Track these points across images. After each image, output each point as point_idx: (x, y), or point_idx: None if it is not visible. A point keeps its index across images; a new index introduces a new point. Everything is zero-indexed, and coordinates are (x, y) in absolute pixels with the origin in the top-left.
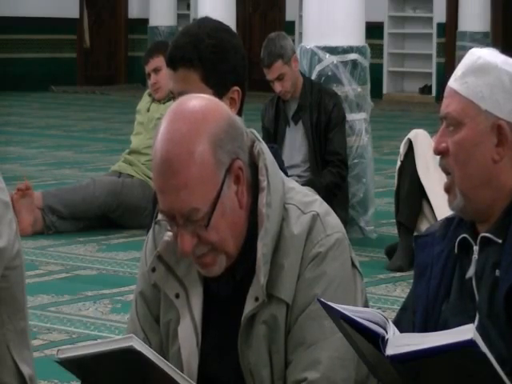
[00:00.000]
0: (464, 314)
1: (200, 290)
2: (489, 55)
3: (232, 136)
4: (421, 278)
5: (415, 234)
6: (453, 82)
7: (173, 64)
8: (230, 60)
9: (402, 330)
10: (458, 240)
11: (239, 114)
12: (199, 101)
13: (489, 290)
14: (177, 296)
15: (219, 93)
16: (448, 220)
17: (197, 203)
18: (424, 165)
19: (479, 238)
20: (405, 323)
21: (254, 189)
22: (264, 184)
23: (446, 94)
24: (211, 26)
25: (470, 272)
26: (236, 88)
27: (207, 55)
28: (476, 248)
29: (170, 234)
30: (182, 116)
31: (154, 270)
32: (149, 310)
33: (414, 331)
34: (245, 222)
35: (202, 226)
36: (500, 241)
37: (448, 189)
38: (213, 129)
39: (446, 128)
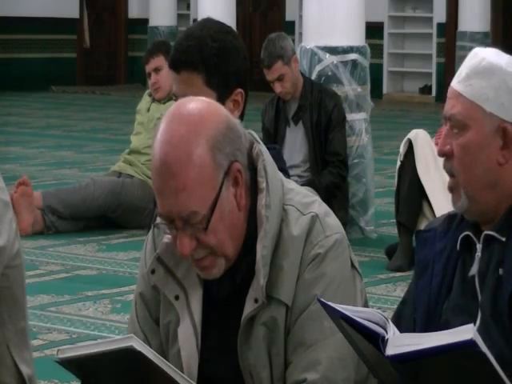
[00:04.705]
0: (465, 312)
1: (199, 292)
2: (493, 56)
3: (231, 139)
4: (422, 274)
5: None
6: (456, 84)
7: (176, 67)
8: (233, 62)
9: (402, 324)
10: (460, 238)
11: (241, 115)
12: (198, 103)
13: (492, 289)
14: (176, 298)
15: (222, 95)
16: (450, 216)
17: (195, 206)
18: (424, 165)
19: (482, 235)
20: (405, 317)
21: (253, 190)
22: (263, 185)
23: (449, 94)
24: (214, 29)
25: (473, 270)
26: (239, 90)
27: (211, 58)
28: (479, 246)
29: (169, 236)
30: (180, 118)
31: (153, 271)
32: (148, 312)
33: (415, 329)
34: (244, 223)
35: (200, 229)
36: (504, 239)
37: (452, 188)
38: (211, 131)
39: (450, 130)
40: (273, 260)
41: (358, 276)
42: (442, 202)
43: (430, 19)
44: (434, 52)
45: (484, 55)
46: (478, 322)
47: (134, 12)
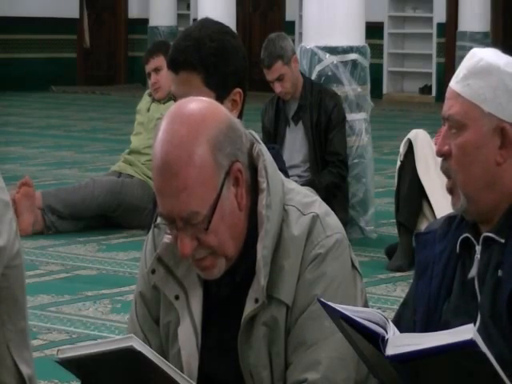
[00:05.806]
0: (465, 314)
1: (200, 292)
2: (491, 56)
3: (231, 139)
4: (422, 276)
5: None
6: (455, 84)
7: (174, 67)
8: (231, 62)
9: (402, 326)
10: (460, 239)
11: (240, 115)
12: (199, 103)
13: (491, 291)
14: (176, 298)
15: (221, 95)
16: (449, 218)
17: (196, 206)
18: (424, 165)
19: (482, 237)
20: (405, 319)
21: (254, 190)
22: (263, 185)
23: (447, 95)
24: (213, 29)
25: (473, 272)
26: (238, 90)
27: (209, 58)
28: (478, 248)
29: (169, 236)
30: (181, 118)
31: (153, 271)
32: (148, 312)
33: (414, 330)
34: (244, 223)
35: (201, 229)
36: (503, 240)
37: (451, 190)
38: (212, 131)
39: (448, 130)
40: (273, 260)
41: (359, 276)
42: (442, 202)
43: (430, 19)
44: (433, 52)
45: (482, 55)
46: (477, 323)
47: (133, 12)
